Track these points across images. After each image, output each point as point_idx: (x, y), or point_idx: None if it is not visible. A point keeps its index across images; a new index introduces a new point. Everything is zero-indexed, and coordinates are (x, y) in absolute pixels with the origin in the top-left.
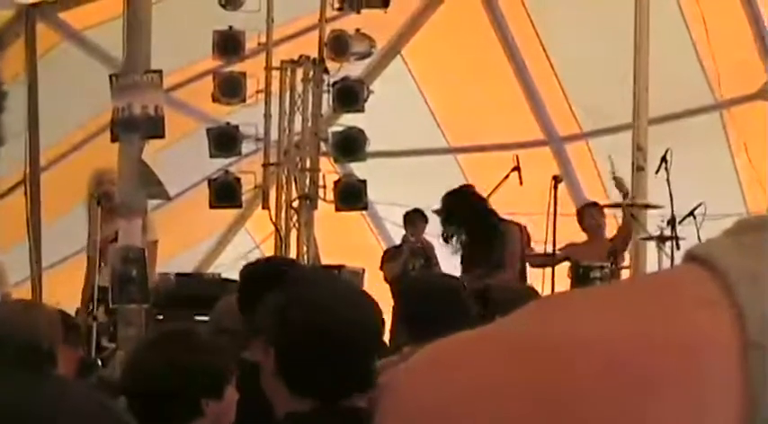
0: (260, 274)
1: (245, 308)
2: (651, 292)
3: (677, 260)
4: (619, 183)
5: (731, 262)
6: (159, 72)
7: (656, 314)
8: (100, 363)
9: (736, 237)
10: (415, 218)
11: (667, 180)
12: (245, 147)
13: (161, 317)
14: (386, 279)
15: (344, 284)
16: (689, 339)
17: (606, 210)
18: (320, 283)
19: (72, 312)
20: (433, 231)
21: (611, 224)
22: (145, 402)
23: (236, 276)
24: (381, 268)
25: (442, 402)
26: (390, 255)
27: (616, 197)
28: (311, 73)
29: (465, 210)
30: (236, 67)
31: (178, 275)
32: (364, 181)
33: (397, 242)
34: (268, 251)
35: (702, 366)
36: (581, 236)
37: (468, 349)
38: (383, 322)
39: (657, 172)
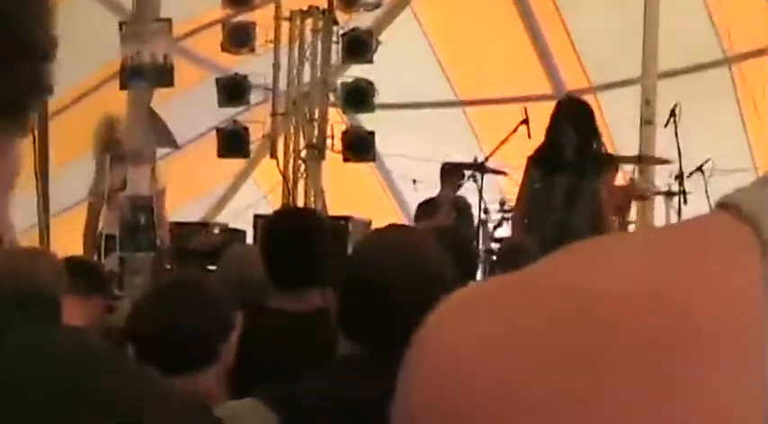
0: (280, 225)
1: (269, 260)
2: (682, 239)
3: (684, 216)
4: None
5: (762, 209)
6: (168, 20)
7: (687, 261)
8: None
9: (766, 187)
10: (451, 171)
11: (675, 134)
12: (254, 97)
13: (169, 267)
14: None
15: (408, 236)
16: (723, 285)
17: None
18: (381, 236)
19: None
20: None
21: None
22: (160, 350)
23: (243, 226)
24: (416, 223)
25: (472, 350)
26: (424, 210)
27: (622, 151)
28: (320, 23)
29: None
30: (246, 17)
31: (185, 224)
32: (372, 133)
33: (405, 194)
34: (275, 201)
35: (738, 311)
36: None
37: (497, 297)
38: (441, 275)
39: (666, 125)
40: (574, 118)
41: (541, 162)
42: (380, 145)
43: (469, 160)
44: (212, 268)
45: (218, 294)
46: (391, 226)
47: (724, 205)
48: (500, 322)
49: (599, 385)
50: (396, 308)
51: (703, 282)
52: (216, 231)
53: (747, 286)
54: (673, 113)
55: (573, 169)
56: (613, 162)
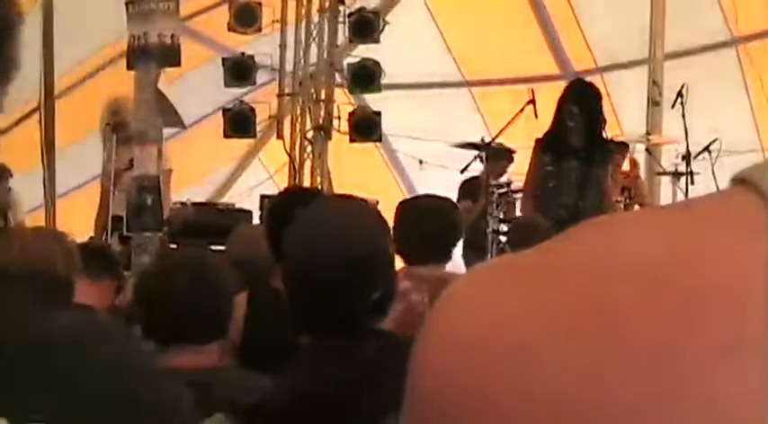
0: (286, 205)
1: (271, 238)
2: (694, 213)
3: (691, 196)
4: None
5: None
6: (175, 0)
7: (699, 233)
8: None
9: None
10: (499, 154)
11: (683, 115)
12: (260, 77)
13: (174, 246)
14: None
15: (349, 212)
16: (733, 256)
17: None
18: (320, 215)
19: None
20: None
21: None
22: (171, 327)
23: (249, 206)
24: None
25: (484, 329)
26: (465, 190)
27: (629, 131)
28: (327, 3)
29: None
30: None
31: (192, 204)
32: (378, 113)
33: (411, 174)
34: (281, 181)
35: (746, 283)
36: None
37: (507, 276)
38: (383, 251)
39: (673, 106)
40: (582, 102)
41: (550, 146)
42: (387, 125)
43: (476, 140)
44: (215, 247)
45: (223, 272)
46: (322, 205)
47: (742, 180)
48: (510, 302)
49: (615, 368)
50: (334, 295)
51: (711, 252)
52: (221, 210)
53: (757, 258)
54: (680, 94)
55: (582, 156)
56: (621, 148)
